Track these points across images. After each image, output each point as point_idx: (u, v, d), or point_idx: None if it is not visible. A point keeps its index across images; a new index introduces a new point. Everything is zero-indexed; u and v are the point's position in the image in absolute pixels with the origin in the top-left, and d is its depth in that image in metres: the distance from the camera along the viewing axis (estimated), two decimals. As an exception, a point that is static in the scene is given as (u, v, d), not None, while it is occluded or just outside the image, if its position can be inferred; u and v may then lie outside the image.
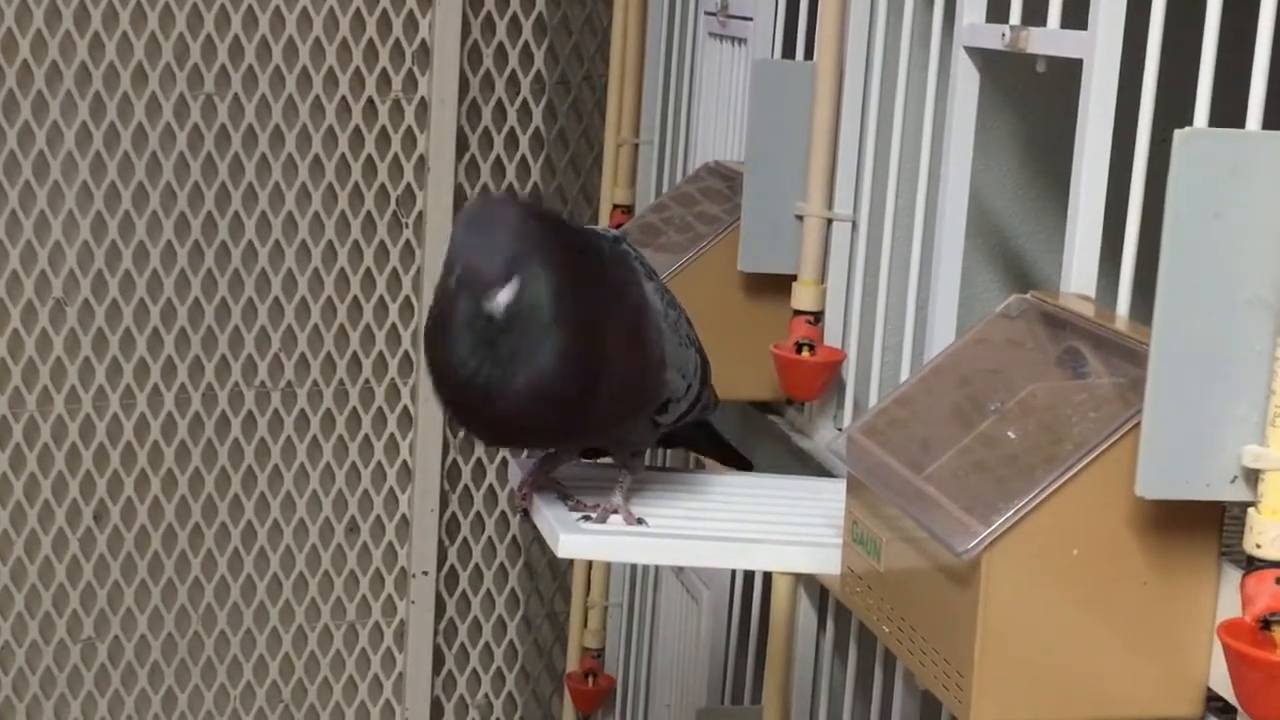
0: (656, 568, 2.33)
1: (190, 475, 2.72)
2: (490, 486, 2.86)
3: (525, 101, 2.77)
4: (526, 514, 1.52)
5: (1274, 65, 1.15)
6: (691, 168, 2.20)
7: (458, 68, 2.68)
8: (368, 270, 2.73)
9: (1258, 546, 1.06)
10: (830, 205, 1.83)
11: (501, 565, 2.89)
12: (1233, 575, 1.13)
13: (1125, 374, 1.17)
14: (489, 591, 2.89)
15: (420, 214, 2.72)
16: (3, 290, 2.60)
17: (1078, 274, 1.35)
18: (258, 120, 2.64)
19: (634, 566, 2.44)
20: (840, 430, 1.80)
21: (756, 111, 1.87)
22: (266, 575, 2.78)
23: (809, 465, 1.79)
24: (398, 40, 2.68)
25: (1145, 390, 1.09)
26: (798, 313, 1.82)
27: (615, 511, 1.46)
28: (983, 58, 1.56)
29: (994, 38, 1.49)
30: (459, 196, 2.73)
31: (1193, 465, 1.08)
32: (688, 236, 1.97)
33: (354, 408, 2.77)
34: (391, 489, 2.81)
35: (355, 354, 2.75)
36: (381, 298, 2.74)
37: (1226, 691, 1.11)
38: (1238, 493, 1.09)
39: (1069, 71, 1.38)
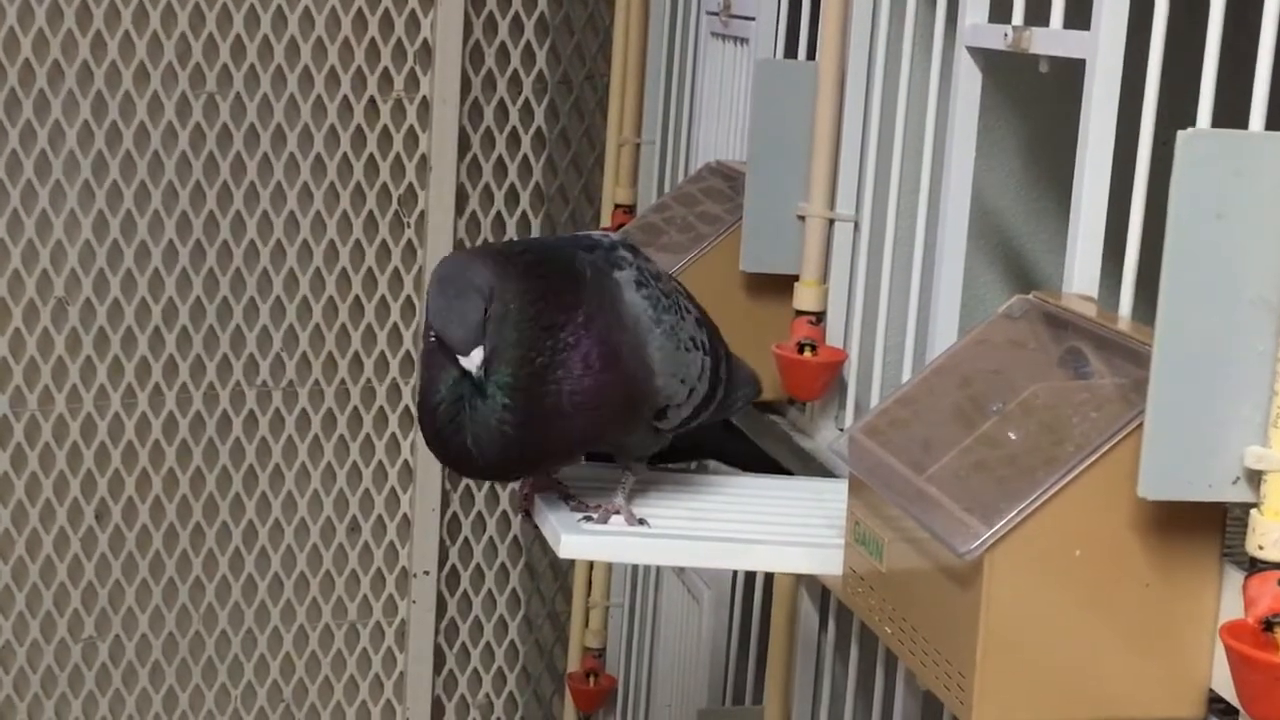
0: (658, 568, 2.33)
1: (192, 474, 2.72)
2: (491, 486, 2.86)
3: (527, 101, 2.77)
4: (528, 514, 1.52)
5: (1277, 66, 1.15)
6: (693, 167, 2.20)
7: (460, 67, 2.68)
8: (369, 270, 2.73)
9: (1260, 548, 1.06)
10: (832, 205, 1.82)
11: (503, 565, 2.89)
12: (1235, 577, 1.13)
13: (1127, 375, 1.16)
14: (490, 591, 2.89)
15: (422, 213, 2.72)
16: (5, 289, 2.60)
17: (1080, 274, 1.35)
18: (260, 119, 2.64)
19: (635, 567, 2.44)
20: (842, 430, 1.80)
21: (758, 111, 1.87)
22: (268, 575, 2.78)
23: (811, 465, 1.79)
24: (400, 40, 2.68)
25: (1148, 391, 1.08)
26: (799, 313, 1.82)
27: (617, 512, 1.46)
28: (985, 58, 1.55)
29: (996, 38, 1.49)
30: (461, 196, 2.73)
31: (1195, 466, 1.08)
32: (689, 236, 1.96)
33: (355, 407, 2.77)
34: (393, 489, 2.81)
35: (357, 353, 2.75)
36: (383, 297, 2.74)
37: (1229, 693, 1.11)
38: (1240, 494, 1.09)
39: (1071, 72, 1.38)
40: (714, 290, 1.89)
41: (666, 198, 2.12)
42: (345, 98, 2.67)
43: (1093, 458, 1.12)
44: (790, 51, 1.98)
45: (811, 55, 1.91)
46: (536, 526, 1.50)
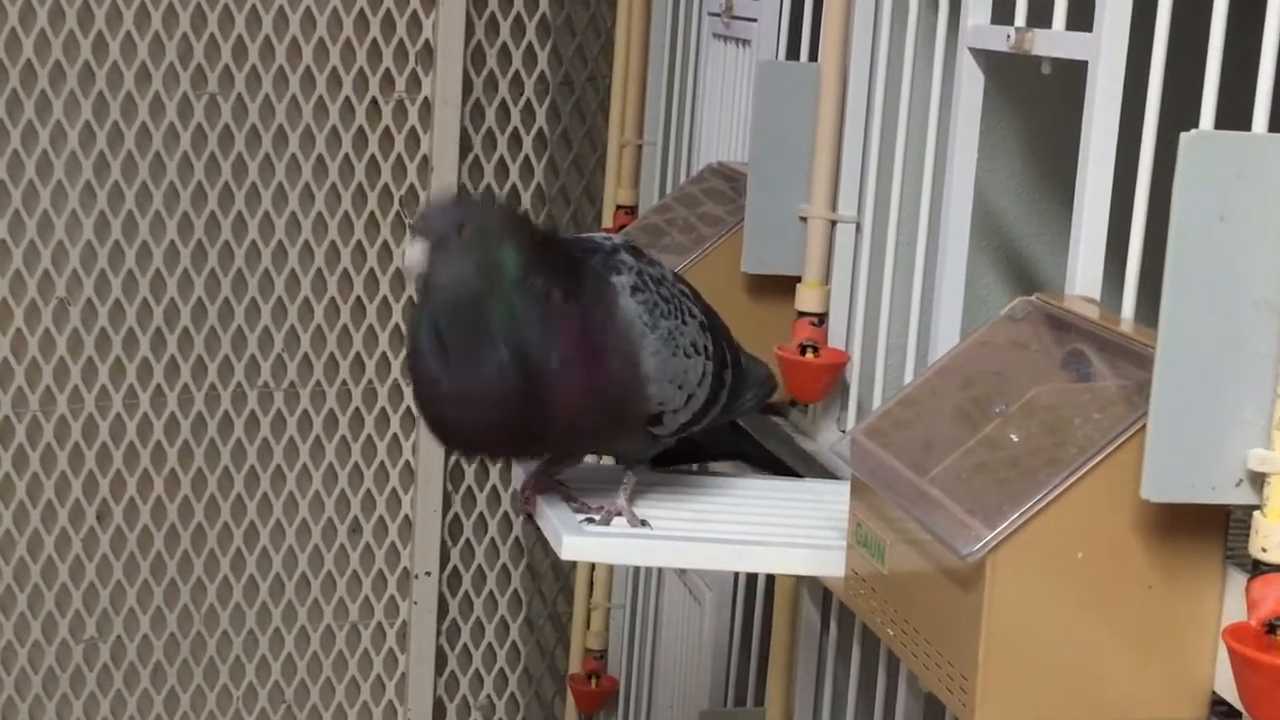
0: (659, 569, 2.33)
1: (193, 475, 2.72)
2: (493, 487, 2.86)
3: (529, 102, 2.77)
4: (530, 516, 1.52)
5: (1280, 68, 1.15)
6: (695, 169, 2.20)
7: (461, 68, 2.68)
8: (371, 271, 2.73)
9: (1263, 550, 1.06)
10: (834, 206, 1.82)
11: (504, 566, 2.89)
12: (1238, 579, 1.13)
13: (1130, 377, 1.16)
14: (492, 593, 2.89)
15: (424, 214, 2.72)
16: (6, 290, 2.60)
17: (1083, 276, 1.35)
18: (262, 120, 2.64)
19: (637, 568, 2.44)
20: (844, 432, 1.79)
21: (760, 113, 1.87)
22: (269, 576, 2.78)
23: (812, 467, 1.79)
24: (401, 40, 2.68)
25: (1150, 393, 1.08)
26: (801, 314, 1.82)
27: (619, 513, 1.46)
28: (987, 59, 1.55)
29: (999, 39, 1.49)
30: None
31: (1198, 468, 1.08)
32: (691, 238, 1.96)
33: (357, 408, 2.77)
34: (394, 490, 2.81)
35: (359, 354, 2.75)
36: (385, 298, 2.74)
37: (1231, 696, 1.11)
38: (1243, 496, 1.09)
39: (1074, 73, 1.38)
40: (716, 291, 1.88)
41: (668, 199, 2.12)
42: (347, 98, 2.67)
43: (1095, 460, 1.12)
44: (792, 53, 1.98)
45: (813, 57, 1.91)
46: (538, 528, 1.50)
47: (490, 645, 2.91)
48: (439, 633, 2.86)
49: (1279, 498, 1.06)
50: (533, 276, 1.37)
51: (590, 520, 1.45)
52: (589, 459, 1.60)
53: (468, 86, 2.71)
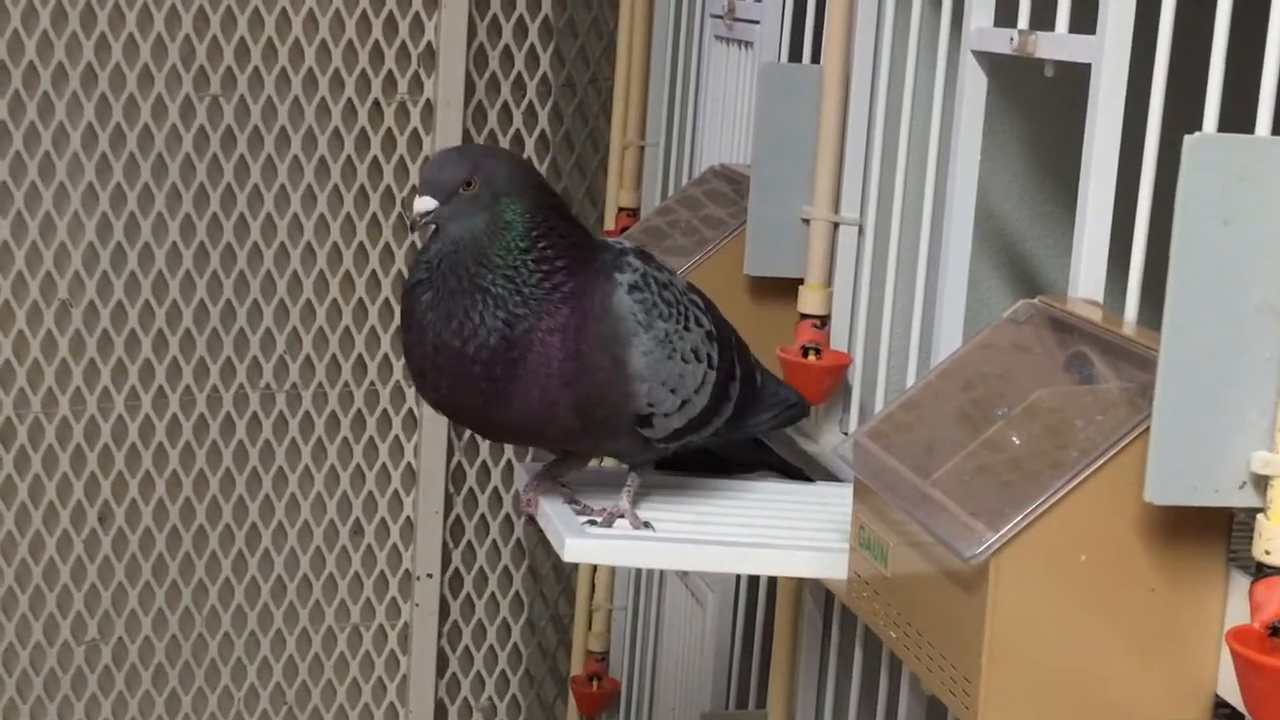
0: (661, 571, 2.33)
1: (195, 477, 2.72)
2: (495, 489, 2.86)
3: (531, 104, 2.77)
4: (532, 517, 1.52)
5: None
6: (697, 171, 2.20)
7: (463, 70, 2.68)
8: (374, 273, 2.73)
9: (1266, 553, 1.06)
10: (837, 209, 1.82)
11: (506, 568, 2.89)
12: (1241, 582, 1.13)
13: (1133, 379, 1.16)
14: (493, 594, 2.89)
15: (426, 216, 2.71)
16: (8, 291, 2.60)
17: (1086, 279, 1.35)
18: (264, 122, 2.64)
19: (639, 570, 2.44)
20: (846, 434, 1.79)
21: (763, 115, 1.87)
22: (271, 577, 2.78)
23: (815, 469, 1.79)
24: (403, 42, 2.68)
25: (1154, 396, 1.08)
26: (804, 316, 1.82)
27: (621, 515, 1.45)
28: (990, 62, 1.55)
29: (1002, 42, 1.49)
30: (464, 199, 2.73)
31: (1201, 471, 1.08)
32: (693, 240, 1.96)
33: (359, 410, 2.77)
34: (396, 491, 2.81)
35: (360, 356, 2.75)
36: (387, 300, 2.74)
37: (1234, 698, 1.11)
38: (1246, 499, 1.09)
39: (1077, 76, 1.38)
40: (718, 293, 1.88)
41: (670, 201, 2.12)
42: (350, 100, 2.67)
43: (1098, 462, 1.12)
44: (795, 55, 1.98)
45: (816, 59, 1.91)
46: (540, 529, 1.50)
47: (492, 647, 2.91)
48: (440, 634, 2.86)
49: (1282, 500, 1.06)
50: (539, 241, 1.37)
51: (592, 522, 1.45)
52: (590, 462, 1.60)
53: (470, 88, 2.71)
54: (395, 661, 2.86)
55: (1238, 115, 1.18)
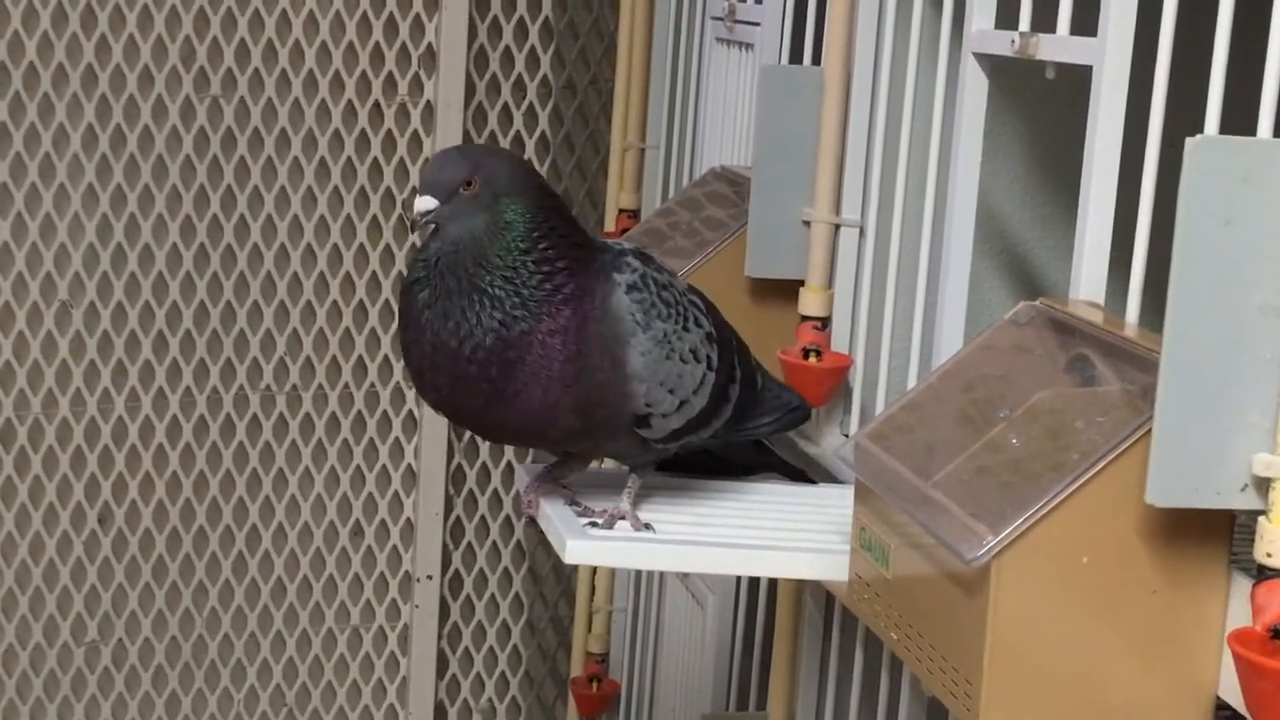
0: (661, 573, 2.33)
1: (195, 478, 2.72)
2: (495, 491, 2.86)
3: (531, 105, 2.77)
4: (532, 518, 1.52)
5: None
6: (698, 173, 2.20)
7: (464, 72, 2.68)
8: (374, 274, 2.73)
9: (1268, 555, 1.06)
10: (838, 211, 1.82)
11: (506, 569, 2.89)
12: (1243, 584, 1.13)
13: (1135, 381, 1.16)
14: (493, 596, 2.89)
15: (426, 218, 2.71)
16: (8, 292, 2.60)
17: (1087, 281, 1.35)
18: (264, 123, 2.64)
19: (639, 571, 2.44)
20: (847, 436, 1.79)
21: (764, 116, 1.87)
22: (271, 579, 2.78)
23: (816, 471, 1.79)
24: (404, 44, 2.68)
25: (1155, 398, 1.08)
26: (805, 318, 1.82)
27: (622, 517, 1.45)
28: (991, 64, 1.55)
29: (1003, 44, 1.49)
30: (465, 200, 2.73)
31: (1203, 473, 1.08)
32: (694, 241, 1.96)
33: (359, 411, 2.77)
34: (396, 493, 2.81)
35: (360, 357, 2.75)
36: (387, 301, 2.74)
37: (1236, 700, 1.11)
38: (1248, 501, 1.08)
39: (1078, 78, 1.38)
40: (719, 295, 1.89)
41: (671, 203, 2.12)
42: (350, 102, 2.67)
43: (1100, 464, 1.12)
44: (795, 57, 1.98)
45: (817, 60, 1.91)
46: (540, 530, 1.50)
47: (492, 649, 2.91)
48: (440, 636, 2.86)
49: (1284, 503, 1.06)
50: (539, 242, 1.37)
51: (593, 524, 1.45)
52: (591, 463, 1.60)
53: (470, 90, 2.71)
54: (395, 663, 2.86)
55: (1239, 117, 1.18)
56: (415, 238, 1.41)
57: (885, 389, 1.76)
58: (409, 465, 2.80)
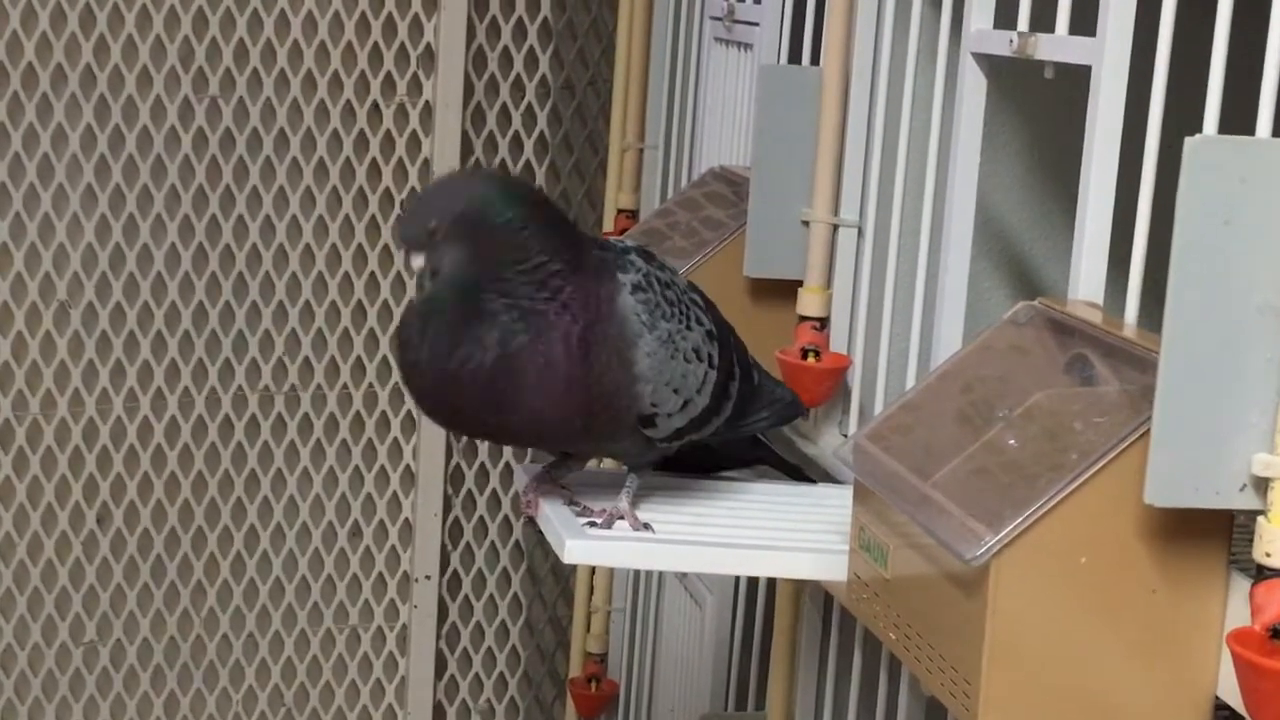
0: (660, 572, 2.33)
1: (193, 479, 2.72)
2: (494, 491, 2.86)
3: (530, 106, 2.77)
4: (531, 518, 1.52)
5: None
6: (697, 173, 2.20)
7: (462, 72, 2.68)
8: (372, 274, 2.73)
9: (1267, 555, 1.06)
10: (836, 211, 1.82)
11: (504, 570, 2.89)
12: (1241, 584, 1.13)
13: (1134, 381, 1.16)
14: (492, 596, 2.89)
15: (425, 218, 2.71)
16: (7, 293, 2.60)
17: (1086, 281, 1.35)
18: (262, 124, 2.64)
19: (638, 571, 2.44)
20: (846, 437, 1.79)
21: (762, 117, 1.87)
22: (269, 579, 2.78)
23: (814, 471, 1.79)
24: (403, 44, 2.68)
25: (1154, 398, 1.08)
26: (803, 318, 1.82)
27: (621, 517, 1.45)
28: (990, 64, 1.55)
29: (1001, 44, 1.49)
30: (463, 201, 2.73)
31: (1202, 473, 1.08)
32: (693, 241, 1.96)
33: (358, 411, 2.77)
34: (395, 493, 2.81)
35: (359, 358, 2.75)
36: (386, 301, 2.74)
37: (1235, 700, 1.11)
38: (1247, 501, 1.08)
39: (1077, 78, 1.38)
40: (717, 295, 1.89)
41: (670, 203, 2.12)
42: (348, 102, 2.67)
43: (1099, 464, 1.12)
44: (794, 57, 1.98)
45: (816, 60, 1.91)
46: (539, 530, 1.50)
47: (490, 649, 2.91)
48: (439, 636, 2.86)
49: (1283, 503, 1.06)
50: (526, 252, 1.37)
51: (592, 523, 1.45)
52: (589, 463, 1.60)
53: (469, 90, 2.71)
54: (393, 663, 2.86)
55: (1239, 117, 1.18)
56: (419, 292, 1.44)
57: (884, 389, 1.76)
58: (407, 465, 2.80)
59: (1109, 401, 1.17)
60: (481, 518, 2.86)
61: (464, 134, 2.71)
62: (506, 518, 2.87)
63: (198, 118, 2.62)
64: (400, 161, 2.71)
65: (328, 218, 2.70)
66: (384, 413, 2.78)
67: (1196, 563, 1.14)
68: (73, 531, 2.68)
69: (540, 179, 2.79)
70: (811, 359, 1.80)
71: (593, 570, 2.56)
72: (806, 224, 1.84)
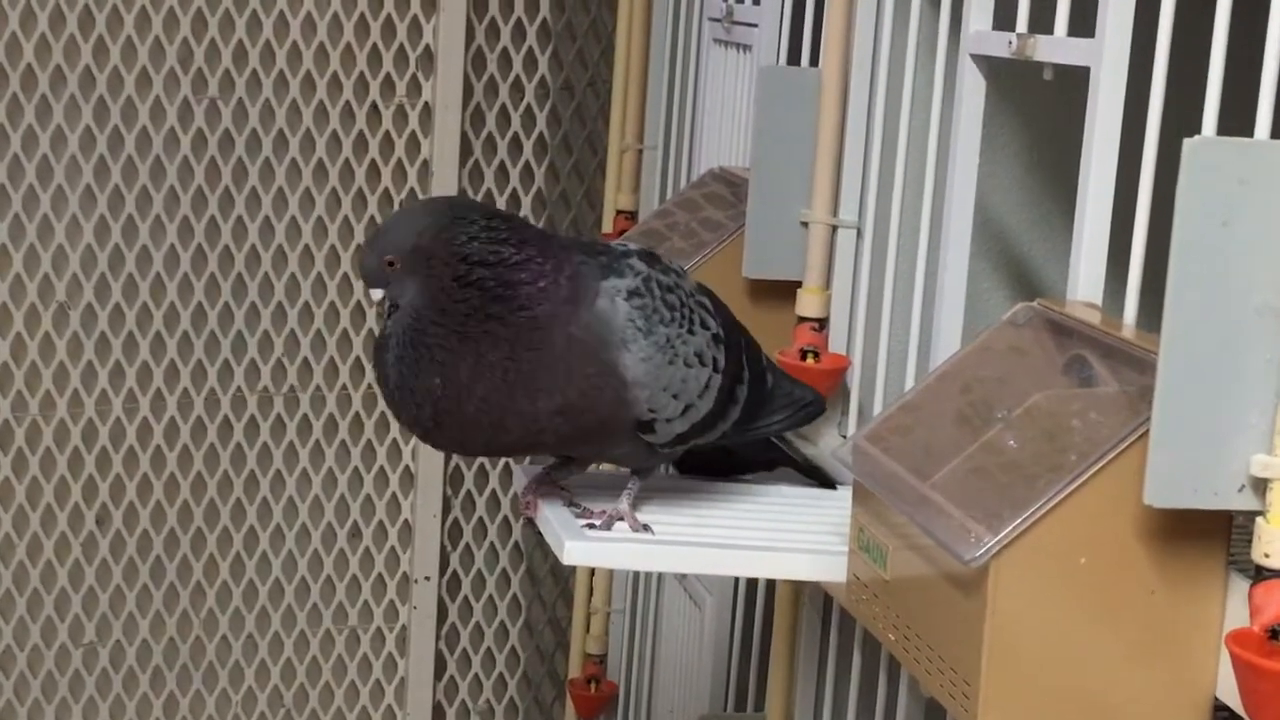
0: (659, 574, 2.33)
1: (193, 479, 2.72)
2: (493, 492, 2.86)
3: (529, 107, 2.77)
4: (531, 520, 1.51)
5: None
6: (696, 174, 2.20)
7: (462, 73, 2.68)
8: (371, 275, 2.72)
9: (1266, 556, 1.06)
10: (835, 211, 1.82)
11: (504, 570, 2.89)
12: (1240, 585, 1.13)
13: (1132, 382, 1.16)
14: (491, 597, 2.89)
15: (424, 219, 2.71)
16: (6, 293, 2.60)
17: (1084, 282, 1.35)
18: (262, 125, 2.64)
19: (637, 572, 2.44)
20: (845, 437, 1.79)
21: (761, 118, 1.87)
22: (269, 580, 2.78)
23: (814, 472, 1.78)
24: (402, 45, 2.68)
25: (1153, 399, 1.08)
26: (802, 319, 1.82)
27: (620, 518, 1.45)
28: (989, 65, 1.55)
29: (1000, 45, 1.49)
30: (463, 201, 2.73)
31: (1201, 474, 1.08)
32: (692, 242, 1.96)
33: (357, 412, 2.77)
34: (394, 494, 2.81)
35: (359, 359, 2.75)
36: (385, 303, 2.74)
37: (1234, 701, 1.11)
38: (1246, 502, 1.09)
39: (1076, 79, 1.38)
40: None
41: (669, 204, 2.12)
42: (347, 103, 2.67)
43: (1098, 465, 1.12)
44: (793, 58, 1.98)
45: (814, 62, 1.91)
46: (539, 532, 1.50)
47: (489, 650, 2.91)
48: (438, 637, 2.86)
49: (1282, 503, 1.06)
50: (484, 273, 1.37)
51: (591, 525, 1.45)
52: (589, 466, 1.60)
53: (468, 91, 2.72)
54: (393, 664, 2.86)
55: (1237, 118, 1.18)
56: (379, 323, 1.45)
57: (883, 390, 1.76)
58: (406, 466, 2.80)
59: (1108, 402, 1.17)
60: (481, 519, 2.86)
61: (463, 135, 2.71)
62: (506, 519, 2.87)
63: (197, 119, 2.62)
64: (399, 163, 2.71)
65: (327, 219, 2.70)
66: (383, 414, 2.77)
67: (1195, 564, 1.14)
68: (72, 532, 2.68)
69: (539, 180, 2.79)
70: (810, 360, 1.79)
71: (592, 571, 2.56)
72: (805, 225, 1.84)
